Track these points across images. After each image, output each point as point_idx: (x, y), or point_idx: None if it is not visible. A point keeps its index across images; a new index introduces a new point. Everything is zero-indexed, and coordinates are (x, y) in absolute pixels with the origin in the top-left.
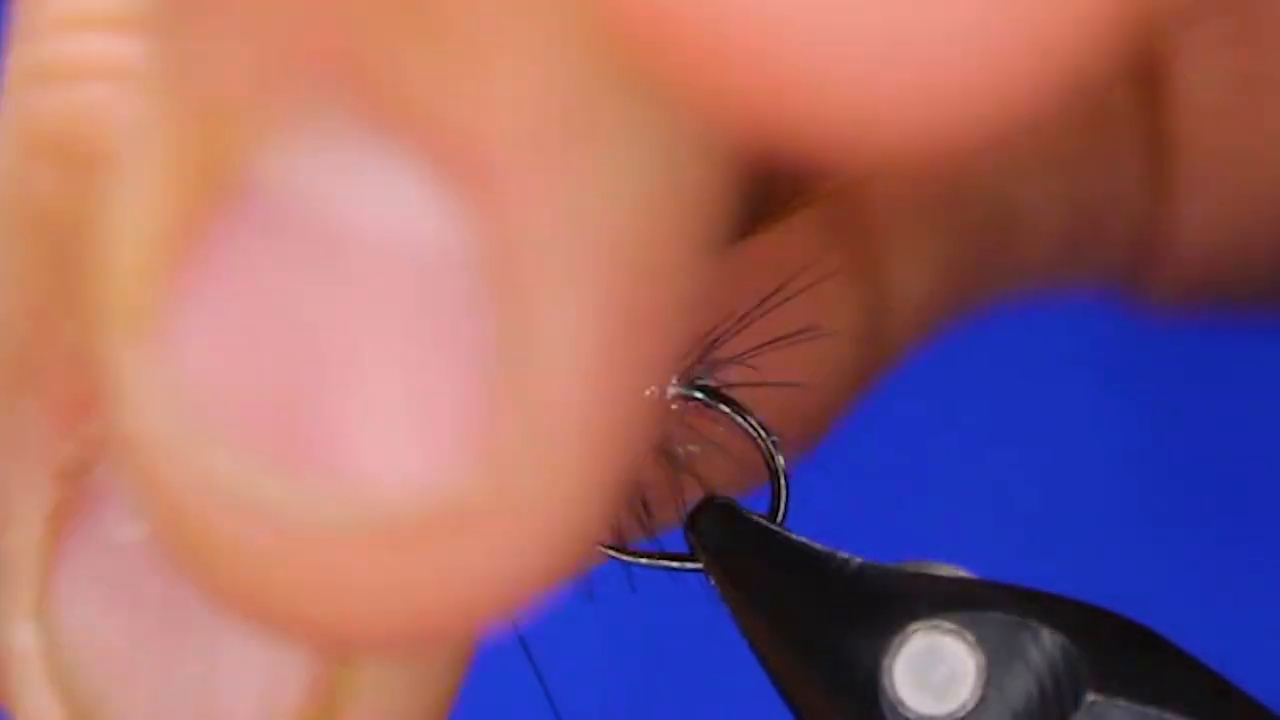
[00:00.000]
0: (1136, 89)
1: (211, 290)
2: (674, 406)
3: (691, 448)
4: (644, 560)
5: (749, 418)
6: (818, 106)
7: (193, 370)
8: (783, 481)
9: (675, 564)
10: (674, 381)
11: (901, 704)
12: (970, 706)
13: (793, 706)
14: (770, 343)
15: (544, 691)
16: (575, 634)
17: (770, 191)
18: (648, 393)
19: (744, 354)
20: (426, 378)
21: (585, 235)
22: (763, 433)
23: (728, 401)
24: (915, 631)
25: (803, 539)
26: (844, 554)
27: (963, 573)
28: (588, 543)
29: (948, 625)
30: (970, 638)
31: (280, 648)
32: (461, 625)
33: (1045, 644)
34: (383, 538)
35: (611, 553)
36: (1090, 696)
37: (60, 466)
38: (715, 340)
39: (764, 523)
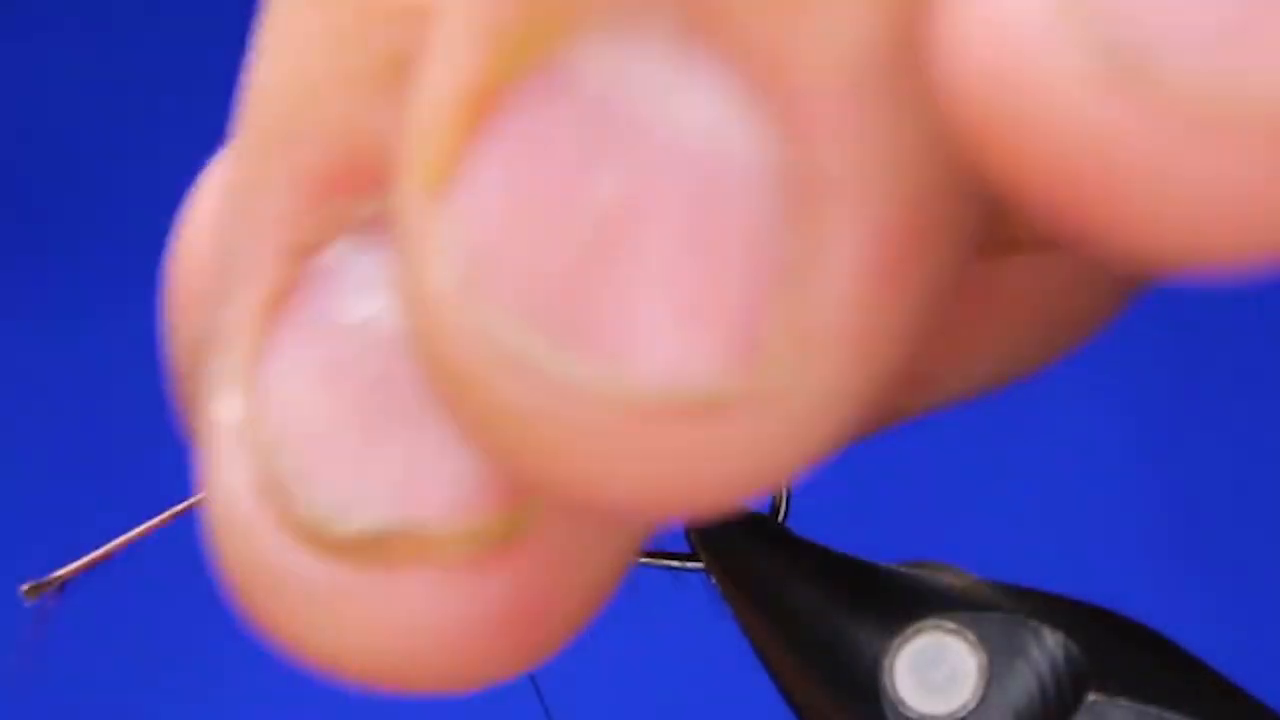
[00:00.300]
0: None
1: (510, 157)
2: None
3: None
4: (644, 560)
5: None
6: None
7: (482, 230)
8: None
9: (676, 563)
10: None
11: (902, 703)
12: (972, 706)
13: (794, 706)
14: None
15: (538, 693)
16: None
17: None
18: (899, 338)
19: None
20: (707, 274)
21: (876, 176)
22: None
23: None
24: (916, 631)
25: (804, 538)
26: (845, 554)
27: (963, 572)
28: (820, 456)
29: (949, 625)
30: (971, 637)
31: (485, 461)
32: (692, 505)
33: (1046, 643)
34: (642, 411)
35: None
36: (1091, 696)
37: (294, 241)
38: None
39: (766, 522)
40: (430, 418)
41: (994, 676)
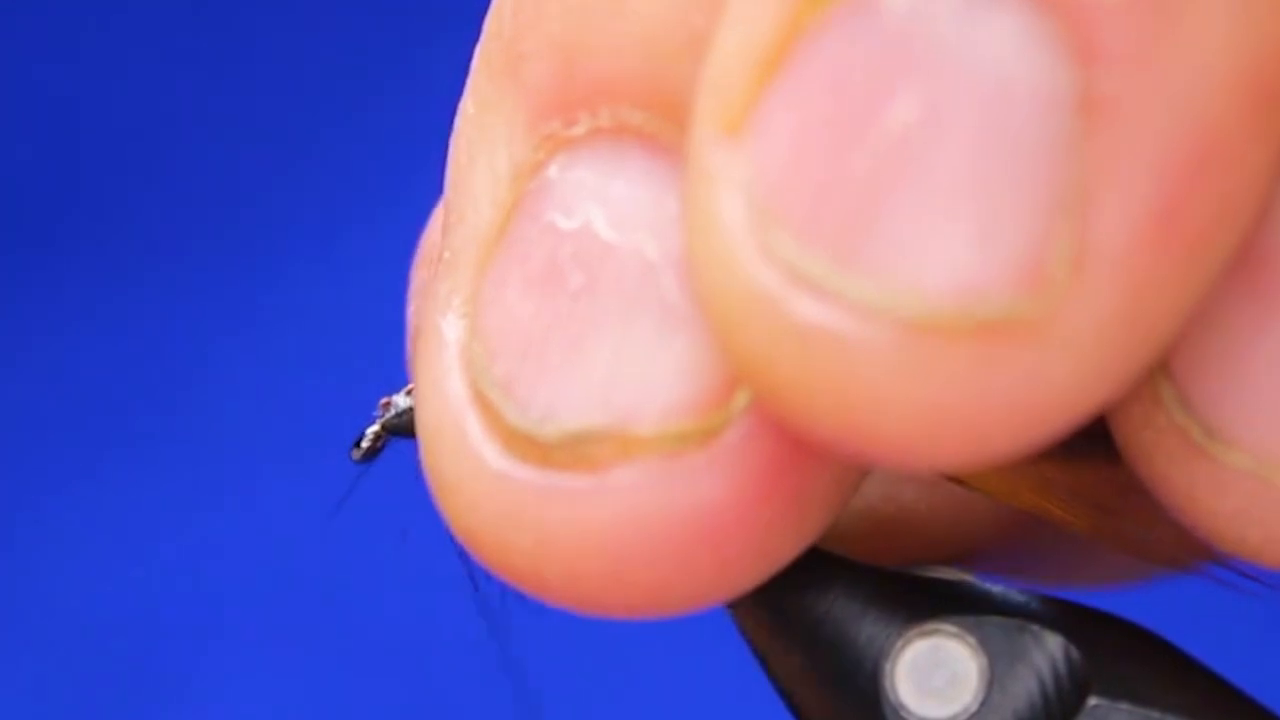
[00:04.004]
0: None
1: (807, 83)
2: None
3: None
4: None
5: None
6: None
7: (776, 162)
8: None
9: None
10: None
11: (903, 707)
12: (973, 710)
13: (793, 709)
14: None
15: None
16: (578, 630)
17: None
18: (1190, 288)
19: None
20: (996, 198)
21: (1166, 104)
22: None
23: None
24: (917, 635)
25: None
26: (846, 556)
27: (964, 575)
28: (1084, 404)
29: (949, 628)
30: (972, 641)
31: (693, 363)
32: (955, 445)
33: (1047, 647)
34: (928, 329)
35: None
36: (1092, 700)
37: (516, 164)
38: None
39: None
40: (635, 324)
41: (995, 680)
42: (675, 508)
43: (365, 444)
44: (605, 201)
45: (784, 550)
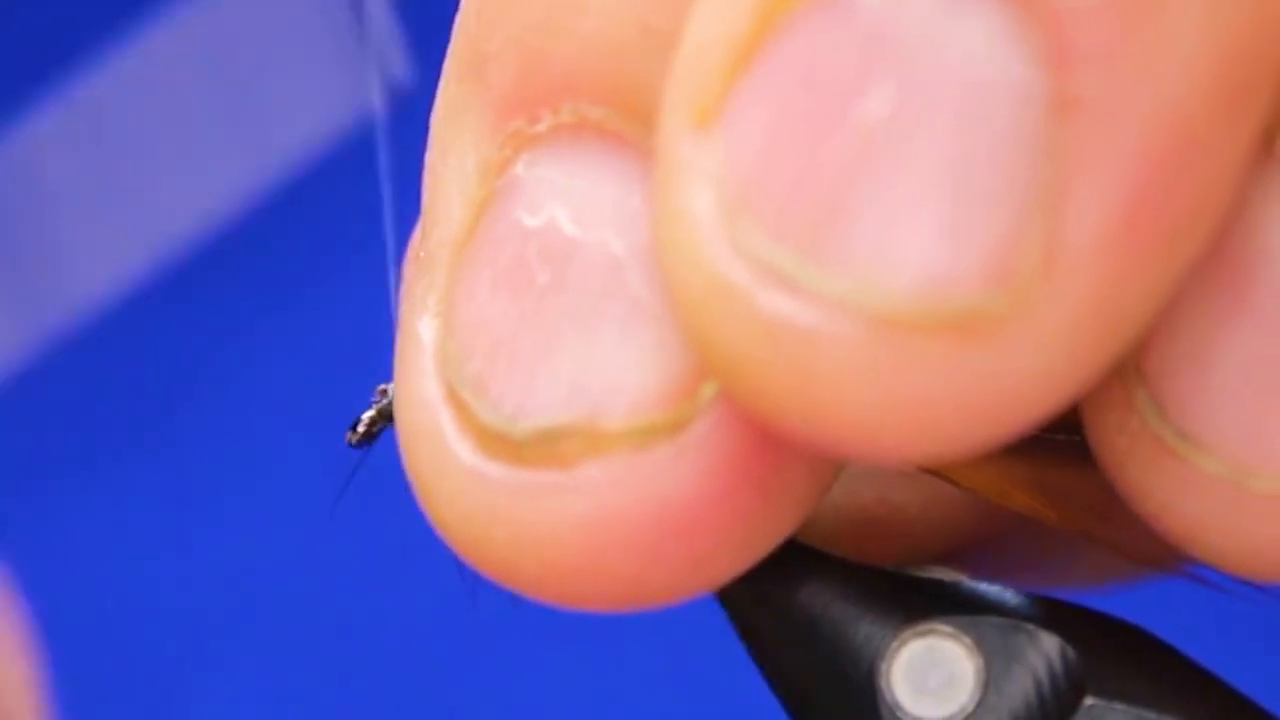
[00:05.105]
0: None
1: (781, 80)
2: None
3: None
4: None
5: None
6: None
7: (748, 156)
8: None
9: None
10: None
11: (899, 707)
12: (969, 710)
13: (790, 709)
14: None
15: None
16: (574, 629)
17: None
18: (1158, 287)
19: None
20: (962, 193)
21: (1137, 103)
22: None
23: None
24: (913, 635)
25: (801, 541)
26: (842, 556)
27: (959, 575)
28: (1068, 395)
29: (945, 628)
30: (968, 641)
31: (660, 357)
32: (924, 439)
33: (1043, 647)
34: (897, 323)
35: None
36: (1088, 700)
37: (485, 162)
38: None
39: None
40: (601, 319)
41: (991, 680)
42: (645, 501)
43: (361, 429)
44: (569, 198)
45: (757, 542)
